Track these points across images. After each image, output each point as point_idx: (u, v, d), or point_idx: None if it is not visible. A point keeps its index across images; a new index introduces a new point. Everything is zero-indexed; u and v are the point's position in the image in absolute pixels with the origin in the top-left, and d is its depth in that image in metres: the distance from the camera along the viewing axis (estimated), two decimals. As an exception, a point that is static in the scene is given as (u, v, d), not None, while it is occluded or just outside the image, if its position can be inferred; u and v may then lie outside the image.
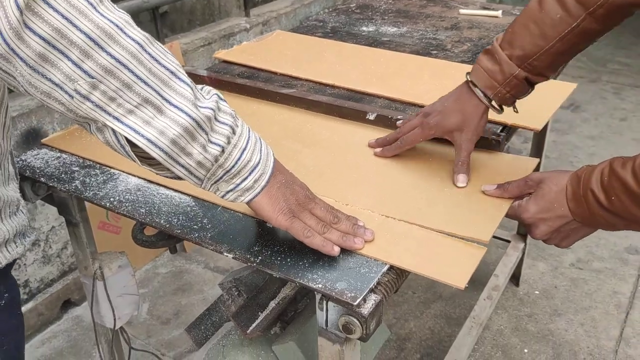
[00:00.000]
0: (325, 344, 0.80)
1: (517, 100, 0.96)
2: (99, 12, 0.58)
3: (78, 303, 2.07)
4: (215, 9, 5.35)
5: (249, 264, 0.75)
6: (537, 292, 2.09)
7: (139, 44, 0.61)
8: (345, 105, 1.11)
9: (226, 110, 0.69)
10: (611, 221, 0.78)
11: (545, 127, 1.80)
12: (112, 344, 1.22)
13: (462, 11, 1.71)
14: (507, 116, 1.07)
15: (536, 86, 1.21)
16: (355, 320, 0.69)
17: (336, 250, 0.75)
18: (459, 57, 1.38)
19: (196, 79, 1.28)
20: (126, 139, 0.63)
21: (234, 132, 0.69)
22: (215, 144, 0.67)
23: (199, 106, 0.65)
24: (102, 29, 0.58)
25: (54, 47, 0.57)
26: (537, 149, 1.81)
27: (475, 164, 0.97)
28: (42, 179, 0.95)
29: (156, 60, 0.62)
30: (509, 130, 1.05)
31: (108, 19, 0.59)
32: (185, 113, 0.64)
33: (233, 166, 0.69)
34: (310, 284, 0.71)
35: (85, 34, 0.57)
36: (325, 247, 0.75)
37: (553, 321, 1.96)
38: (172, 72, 0.64)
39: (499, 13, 1.67)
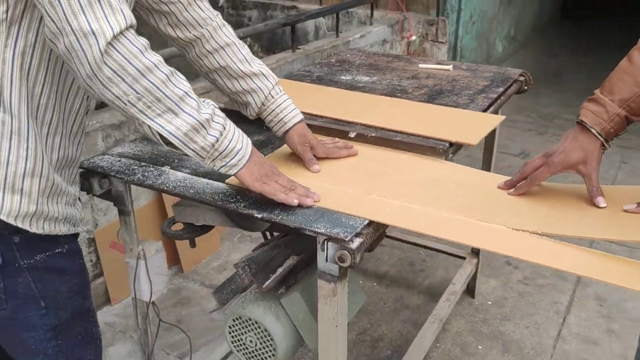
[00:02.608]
0: (323, 284, 1.14)
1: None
2: (144, 55, 0.97)
3: (90, 314, 2.33)
4: (199, 67, 5.73)
5: (273, 219, 1.10)
6: (489, 302, 2.44)
7: (166, 75, 1.00)
8: (332, 127, 1.48)
9: (219, 115, 1.09)
10: None
11: (491, 152, 2.19)
12: (146, 317, 1.52)
13: (421, 65, 2.13)
14: (452, 135, 1.46)
15: (470, 117, 1.62)
16: (346, 252, 1.04)
17: (295, 202, 1.13)
18: (418, 98, 1.78)
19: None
20: (157, 131, 1.01)
21: (224, 128, 1.08)
22: (212, 135, 1.06)
23: (201, 112, 1.04)
24: (145, 65, 0.97)
25: (116, 74, 0.94)
26: (487, 167, 2.21)
27: (610, 195, 1.20)
28: (111, 173, 1.29)
29: (175, 85, 1.01)
30: (452, 145, 1.43)
31: (149, 59, 0.97)
32: (192, 117, 1.03)
33: (224, 150, 1.08)
34: (317, 230, 1.06)
35: (135, 67, 0.95)
36: (287, 200, 1.13)
37: (503, 325, 2.31)
38: (185, 92, 1.02)
39: (450, 67, 2.09)
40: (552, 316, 2.35)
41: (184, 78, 1.04)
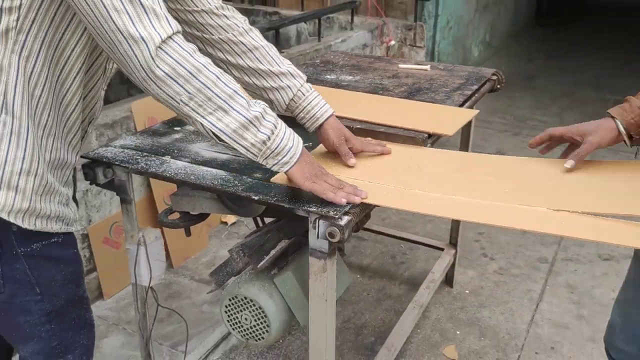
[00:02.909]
0: (314, 261, 1.24)
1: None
2: (193, 57, 1.05)
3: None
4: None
5: (268, 201, 1.21)
6: (467, 291, 2.57)
7: (216, 75, 1.08)
8: (320, 120, 1.60)
9: (270, 114, 1.14)
10: None
11: (467, 148, 2.32)
12: (145, 301, 1.61)
13: (401, 66, 2.25)
14: (430, 127, 1.58)
15: (447, 111, 1.74)
16: (336, 229, 1.15)
17: (343, 201, 1.17)
18: (398, 95, 1.90)
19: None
20: (210, 129, 1.09)
21: (275, 127, 1.13)
22: (263, 133, 1.12)
23: (251, 110, 1.11)
24: (195, 66, 1.05)
25: (169, 76, 1.03)
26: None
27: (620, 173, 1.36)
28: (116, 162, 1.38)
29: (225, 84, 1.09)
30: (431, 135, 1.56)
31: (199, 61, 1.06)
32: (241, 114, 1.10)
33: (276, 148, 1.14)
34: (309, 209, 1.17)
35: (186, 69, 1.04)
36: (335, 199, 1.17)
37: (480, 311, 2.44)
38: (234, 91, 1.09)
39: (427, 67, 2.22)
40: (525, 303, 2.49)
41: (233, 79, 1.11)
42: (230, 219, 3.09)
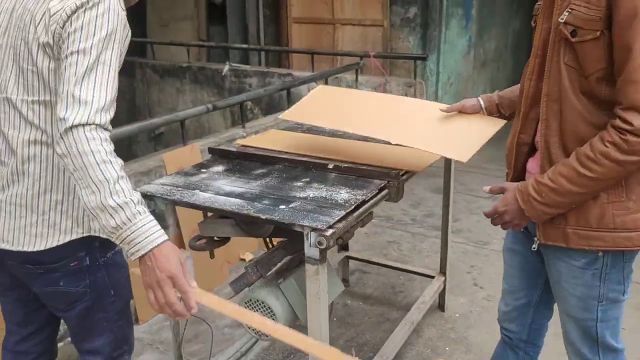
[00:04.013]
0: (308, 267, 1.62)
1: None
2: (88, 144, 1.21)
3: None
4: (205, 129, 6.40)
5: (273, 219, 1.59)
6: (457, 314, 2.89)
7: (96, 162, 1.21)
8: (316, 161, 2.00)
9: (136, 211, 1.23)
10: (544, 210, 1.38)
11: (449, 184, 2.68)
12: (177, 309, 1.98)
13: (390, 118, 2.67)
14: (403, 165, 1.97)
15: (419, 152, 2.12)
16: (323, 238, 1.53)
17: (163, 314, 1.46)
18: (383, 141, 2.30)
19: (228, 153, 2.17)
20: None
21: (130, 220, 1.22)
22: (115, 221, 1.22)
23: (113, 199, 1.20)
24: (83, 150, 1.20)
25: (68, 150, 1.22)
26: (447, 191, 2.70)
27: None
28: (158, 195, 1.79)
29: (102, 172, 1.20)
30: (407, 172, 1.94)
31: (89, 147, 1.21)
32: (102, 201, 1.21)
33: (126, 237, 1.23)
34: (303, 224, 1.55)
35: (77, 150, 1.20)
36: (156, 310, 1.33)
37: (467, 332, 2.75)
38: (107, 179, 1.21)
39: (412, 119, 2.63)
40: (509, 324, 2.79)
41: (118, 167, 1.24)
42: (248, 256, 3.47)
